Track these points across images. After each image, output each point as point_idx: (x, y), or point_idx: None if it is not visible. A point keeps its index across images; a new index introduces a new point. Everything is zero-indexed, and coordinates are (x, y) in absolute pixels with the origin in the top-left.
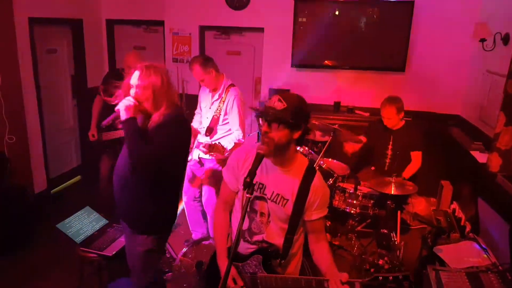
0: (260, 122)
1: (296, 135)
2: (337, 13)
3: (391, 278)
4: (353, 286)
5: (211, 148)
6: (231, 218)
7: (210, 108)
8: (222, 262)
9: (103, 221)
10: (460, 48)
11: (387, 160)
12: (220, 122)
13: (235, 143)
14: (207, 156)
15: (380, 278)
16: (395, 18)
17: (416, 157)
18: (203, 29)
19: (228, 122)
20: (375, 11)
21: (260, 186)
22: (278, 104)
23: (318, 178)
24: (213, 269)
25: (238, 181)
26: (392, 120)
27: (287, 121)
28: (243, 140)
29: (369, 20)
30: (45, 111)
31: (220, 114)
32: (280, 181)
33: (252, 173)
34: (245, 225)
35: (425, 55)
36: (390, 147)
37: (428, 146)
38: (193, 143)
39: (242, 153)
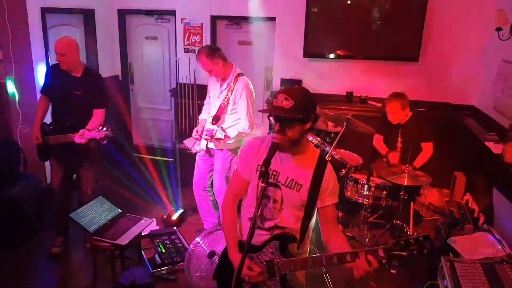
0: (272, 120)
1: (307, 126)
2: (349, 2)
3: (412, 240)
4: (376, 254)
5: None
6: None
7: (218, 97)
8: (234, 256)
9: (116, 211)
10: (475, 38)
11: (398, 154)
12: (228, 111)
13: (239, 131)
14: (215, 146)
15: (402, 242)
16: (409, 7)
17: (427, 148)
18: (214, 18)
19: (237, 111)
20: (388, 0)
21: (274, 173)
22: (286, 103)
23: (330, 167)
24: (225, 263)
25: (252, 170)
26: (396, 115)
27: (298, 118)
28: (249, 130)
29: (382, 9)
30: None
31: (228, 103)
32: (294, 168)
33: (267, 162)
34: None
35: (439, 45)
36: (400, 139)
37: (441, 137)
38: (201, 133)
39: (256, 142)
